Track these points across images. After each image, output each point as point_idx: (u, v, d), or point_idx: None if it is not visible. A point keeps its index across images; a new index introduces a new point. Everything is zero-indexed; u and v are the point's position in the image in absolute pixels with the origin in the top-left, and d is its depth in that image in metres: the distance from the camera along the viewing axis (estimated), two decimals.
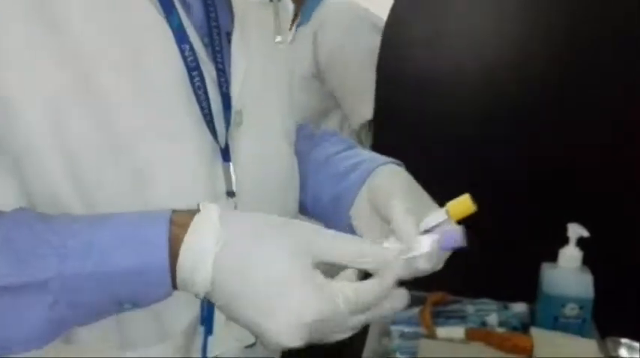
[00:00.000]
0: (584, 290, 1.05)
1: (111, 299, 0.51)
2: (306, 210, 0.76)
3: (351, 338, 0.55)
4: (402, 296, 0.54)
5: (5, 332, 0.49)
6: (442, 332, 1.06)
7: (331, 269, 0.54)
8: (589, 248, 1.07)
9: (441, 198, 0.63)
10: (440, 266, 0.60)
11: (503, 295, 1.15)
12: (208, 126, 0.60)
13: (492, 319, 1.09)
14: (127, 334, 0.58)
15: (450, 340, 1.05)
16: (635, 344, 1.09)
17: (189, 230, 0.51)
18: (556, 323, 1.06)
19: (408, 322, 1.08)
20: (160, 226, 0.50)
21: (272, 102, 0.71)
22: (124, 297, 0.51)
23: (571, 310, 1.05)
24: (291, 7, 0.83)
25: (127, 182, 0.55)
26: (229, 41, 0.65)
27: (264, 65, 0.70)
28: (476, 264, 1.02)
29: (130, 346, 0.58)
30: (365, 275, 0.54)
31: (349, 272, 0.54)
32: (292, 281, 0.50)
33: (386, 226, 0.62)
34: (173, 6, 0.59)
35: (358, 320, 0.53)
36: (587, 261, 1.08)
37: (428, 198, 0.65)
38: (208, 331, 0.62)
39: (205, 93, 0.60)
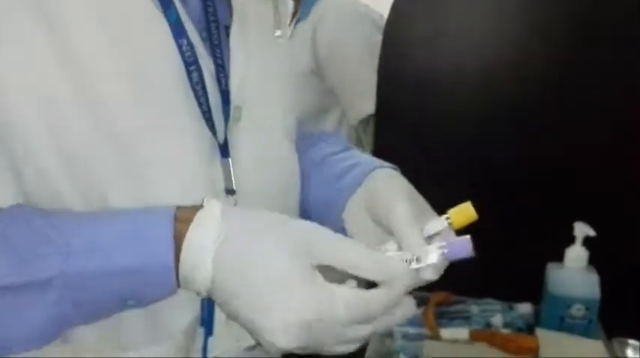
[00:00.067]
0: (590, 290, 1.00)
1: (114, 297, 0.50)
2: (301, 209, 0.73)
3: None
4: (410, 303, 0.51)
5: (5, 331, 0.48)
6: (446, 333, 1.02)
7: (340, 279, 0.51)
8: (594, 248, 1.03)
9: (442, 198, 0.60)
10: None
11: (508, 295, 1.11)
12: (207, 122, 0.58)
13: (497, 320, 1.05)
14: (126, 334, 0.56)
15: (454, 341, 1.01)
16: None
17: (191, 226, 0.49)
18: (562, 324, 1.02)
19: (411, 323, 1.04)
20: (165, 223, 0.49)
21: (272, 98, 0.68)
22: (127, 295, 0.50)
23: (577, 311, 1.00)
24: (290, 2, 0.78)
25: (125, 179, 0.53)
26: (228, 35, 0.62)
27: (264, 60, 0.67)
28: (480, 264, 0.96)
29: (129, 346, 0.56)
30: (369, 285, 0.51)
31: (353, 283, 0.51)
32: (292, 280, 0.48)
33: (379, 230, 0.60)
34: (170, 0, 0.56)
35: (362, 331, 0.50)
36: (593, 261, 1.04)
37: (426, 205, 0.62)
38: (208, 332, 0.60)
39: (204, 88, 0.57)
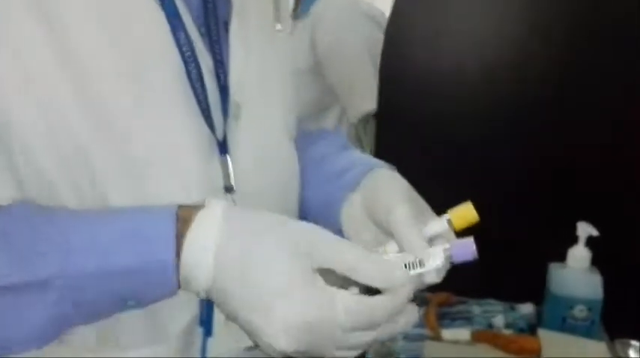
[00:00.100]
0: (593, 291, 0.98)
1: (114, 298, 0.48)
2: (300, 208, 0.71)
3: None
4: (414, 311, 0.50)
5: (5, 331, 0.47)
6: (447, 333, 1.00)
7: (342, 285, 0.49)
8: (596, 248, 1.01)
9: (443, 198, 0.58)
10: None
11: (510, 296, 1.09)
12: (205, 119, 0.56)
13: (499, 320, 1.02)
14: (124, 335, 0.54)
15: (456, 342, 0.99)
16: None
17: (192, 225, 0.48)
18: (564, 325, 1.00)
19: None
20: (166, 223, 0.48)
21: (272, 95, 0.65)
22: (127, 295, 0.48)
23: (580, 311, 0.98)
24: None
25: (124, 177, 0.52)
26: (227, 31, 0.60)
27: (264, 56, 0.64)
28: (481, 264, 0.94)
29: (127, 346, 0.54)
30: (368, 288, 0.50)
31: (355, 289, 0.49)
32: (292, 282, 0.46)
33: (377, 231, 0.58)
34: None
35: (364, 338, 0.48)
36: (595, 262, 1.02)
37: (426, 205, 0.60)
38: (207, 332, 0.58)
39: (202, 84, 0.55)
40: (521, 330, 1.02)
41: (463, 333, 0.99)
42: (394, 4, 1.24)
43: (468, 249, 0.51)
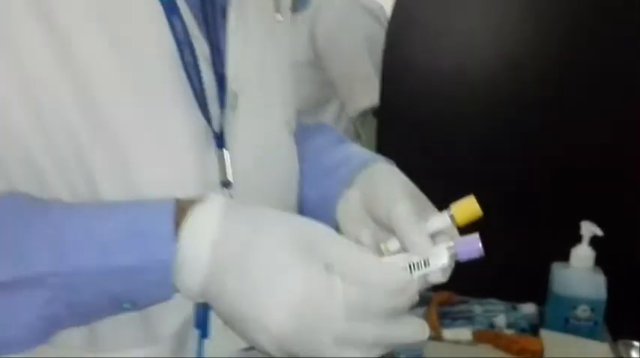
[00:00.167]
0: (596, 291, 0.95)
1: (109, 298, 0.45)
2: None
3: None
4: (423, 326, 0.46)
5: None
6: (448, 333, 0.97)
7: None
8: (598, 248, 0.98)
9: (444, 198, 0.55)
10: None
11: (511, 295, 1.05)
12: (201, 109, 0.52)
13: (500, 320, 0.99)
14: (114, 336, 0.51)
15: (457, 342, 0.96)
16: None
17: (189, 220, 0.44)
18: (567, 325, 0.96)
19: None
20: (164, 219, 0.44)
21: (271, 86, 0.61)
22: (123, 296, 0.45)
23: (582, 312, 0.94)
24: None
25: (115, 169, 0.48)
26: (225, 17, 0.56)
27: (263, 46, 0.60)
28: (483, 263, 0.92)
29: (119, 348, 0.51)
30: None
31: None
32: (293, 270, 0.43)
33: (376, 228, 0.55)
34: None
35: (363, 331, 0.43)
36: (597, 262, 0.99)
37: (427, 201, 0.57)
38: (203, 334, 0.54)
39: (197, 72, 0.51)
40: (523, 330, 0.99)
41: (464, 333, 0.96)
42: (395, 3, 1.21)
43: (473, 246, 0.48)
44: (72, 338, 0.49)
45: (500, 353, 0.93)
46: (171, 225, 0.43)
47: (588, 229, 0.94)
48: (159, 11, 0.50)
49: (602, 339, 0.96)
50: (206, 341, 0.54)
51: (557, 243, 1.00)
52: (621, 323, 0.98)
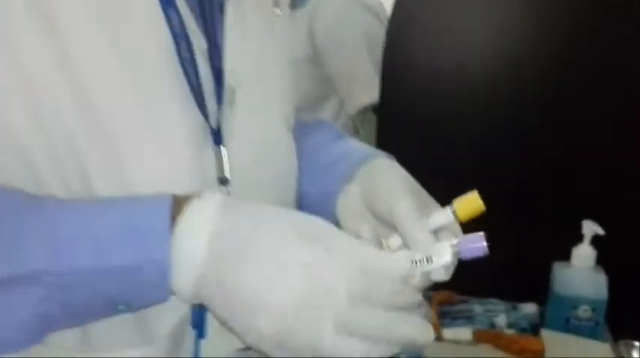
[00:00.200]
0: (597, 290, 0.93)
1: (104, 298, 0.43)
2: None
3: None
4: (428, 328, 0.43)
5: None
6: (448, 333, 0.95)
7: None
8: (599, 248, 0.96)
9: (445, 197, 0.54)
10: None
11: (512, 295, 1.03)
12: (198, 105, 0.50)
13: (501, 320, 0.97)
14: (108, 336, 0.49)
15: (457, 342, 0.94)
16: None
17: (182, 219, 0.42)
18: (567, 325, 0.94)
19: None
20: (162, 216, 0.42)
21: (270, 81, 0.60)
22: (117, 297, 0.43)
23: (584, 312, 0.92)
24: None
25: (110, 166, 0.47)
26: (222, 11, 0.54)
27: (262, 39, 0.59)
28: (483, 262, 0.91)
29: (111, 348, 0.49)
30: None
31: None
32: (293, 260, 0.41)
33: (377, 224, 0.54)
34: None
35: (365, 316, 0.41)
36: (597, 262, 0.97)
37: (428, 196, 0.55)
38: (200, 335, 0.52)
39: (194, 67, 0.50)
40: (523, 330, 0.97)
41: (464, 333, 0.94)
42: (395, 2, 1.20)
43: (477, 244, 0.46)
44: (66, 338, 0.47)
45: (501, 353, 0.91)
46: (168, 222, 0.42)
47: (590, 228, 0.92)
48: (156, 6, 0.48)
49: (603, 339, 0.94)
50: (202, 341, 0.52)
51: (558, 242, 0.98)
52: (622, 323, 0.97)
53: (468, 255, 0.47)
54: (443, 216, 0.50)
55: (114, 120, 0.47)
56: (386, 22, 1.46)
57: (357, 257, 0.42)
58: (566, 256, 0.98)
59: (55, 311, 0.42)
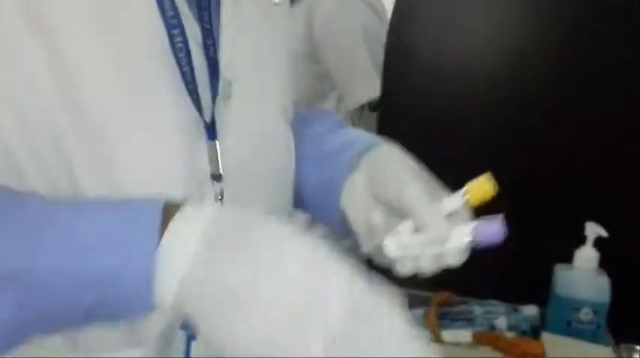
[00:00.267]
0: (599, 293, 0.90)
1: (83, 306, 0.40)
2: (294, 194, 0.62)
3: None
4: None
5: None
6: (448, 335, 0.91)
7: None
8: (600, 250, 0.93)
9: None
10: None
11: (512, 297, 1.00)
12: (191, 97, 0.47)
13: (501, 322, 0.94)
14: (95, 337, 0.47)
15: (456, 344, 0.90)
16: None
17: (166, 234, 0.38)
18: (569, 328, 0.91)
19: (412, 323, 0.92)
20: (150, 222, 0.39)
21: (268, 72, 0.57)
22: (98, 306, 0.40)
23: (585, 315, 0.89)
24: None
25: (97, 162, 0.44)
26: (219, 1, 0.52)
27: (260, 28, 0.56)
28: (484, 263, 0.88)
29: (100, 349, 0.47)
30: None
31: None
32: (290, 265, 0.38)
33: (382, 209, 0.52)
34: None
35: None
36: (599, 264, 0.94)
37: (435, 182, 0.54)
38: (191, 336, 0.50)
39: (188, 57, 0.47)
40: (524, 333, 0.94)
41: (464, 335, 0.91)
42: (397, 1, 1.18)
43: (495, 228, 0.45)
44: (54, 338, 0.45)
45: (501, 356, 0.87)
46: (156, 229, 0.38)
47: (593, 230, 0.89)
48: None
49: (604, 343, 0.91)
50: (193, 343, 0.50)
51: (559, 243, 0.94)
52: (624, 327, 0.94)
53: (485, 238, 0.45)
54: (455, 200, 0.48)
55: (103, 116, 0.44)
56: (383, 17, 1.44)
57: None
58: (566, 257, 0.95)
59: (31, 317, 0.40)
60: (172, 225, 0.38)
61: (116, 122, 0.44)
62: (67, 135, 0.43)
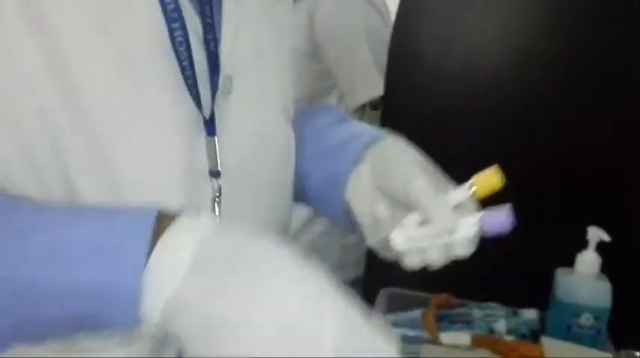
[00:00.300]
0: (601, 298, 0.88)
1: (70, 316, 0.39)
2: (296, 188, 0.61)
3: None
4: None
5: None
6: (446, 337, 0.90)
7: None
8: (601, 255, 0.91)
9: None
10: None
11: (512, 300, 0.99)
12: (191, 93, 0.46)
13: (500, 325, 0.92)
14: (90, 338, 0.45)
15: (455, 346, 0.89)
16: None
17: (157, 247, 0.37)
18: (569, 333, 0.90)
19: (411, 325, 0.92)
20: (140, 233, 0.37)
21: (269, 68, 0.56)
22: (84, 315, 0.39)
23: (586, 320, 0.88)
24: None
25: (91, 164, 0.43)
26: None
27: (262, 23, 0.55)
28: (483, 265, 0.86)
29: (95, 349, 0.46)
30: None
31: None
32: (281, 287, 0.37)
33: (388, 202, 0.52)
34: None
35: None
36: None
37: (441, 175, 0.54)
38: None
39: (188, 51, 0.46)
40: (523, 336, 0.92)
41: (463, 337, 0.90)
42: (401, 2, 1.16)
43: (502, 217, 0.45)
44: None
45: None
46: (147, 241, 0.37)
47: (595, 234, 0.88)
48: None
49: (604, 348, 0.90)
50: None
51: (560, 246, 0.93)
52: (624, 333, 0.92)
53: (492, 228, 0.45)
54: (461, 192, 0.48)
55: (103, 116, 0.43)
56: (386, 17, 1.42)
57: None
58: (566, 261, 0.93)
59: (16, 324, 0.39)
60: (163, 240, 0.37)
61: (116, 122, 0.43)
62: (65, 137, 0.42)
